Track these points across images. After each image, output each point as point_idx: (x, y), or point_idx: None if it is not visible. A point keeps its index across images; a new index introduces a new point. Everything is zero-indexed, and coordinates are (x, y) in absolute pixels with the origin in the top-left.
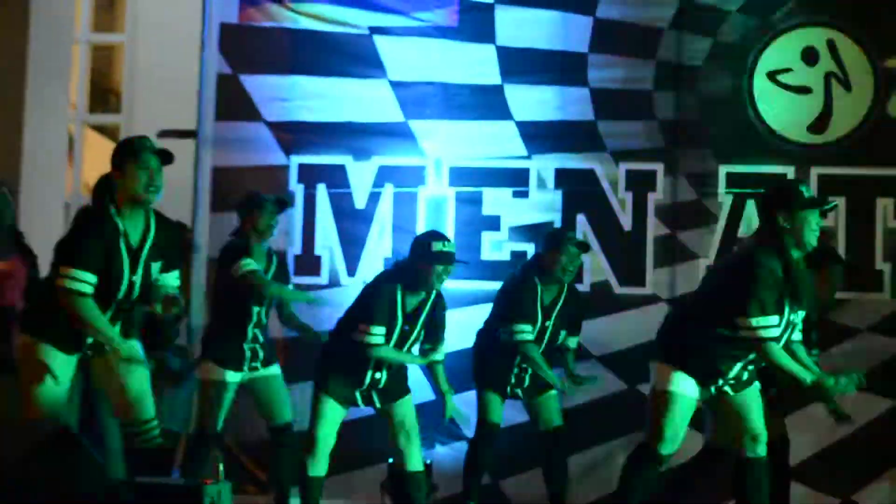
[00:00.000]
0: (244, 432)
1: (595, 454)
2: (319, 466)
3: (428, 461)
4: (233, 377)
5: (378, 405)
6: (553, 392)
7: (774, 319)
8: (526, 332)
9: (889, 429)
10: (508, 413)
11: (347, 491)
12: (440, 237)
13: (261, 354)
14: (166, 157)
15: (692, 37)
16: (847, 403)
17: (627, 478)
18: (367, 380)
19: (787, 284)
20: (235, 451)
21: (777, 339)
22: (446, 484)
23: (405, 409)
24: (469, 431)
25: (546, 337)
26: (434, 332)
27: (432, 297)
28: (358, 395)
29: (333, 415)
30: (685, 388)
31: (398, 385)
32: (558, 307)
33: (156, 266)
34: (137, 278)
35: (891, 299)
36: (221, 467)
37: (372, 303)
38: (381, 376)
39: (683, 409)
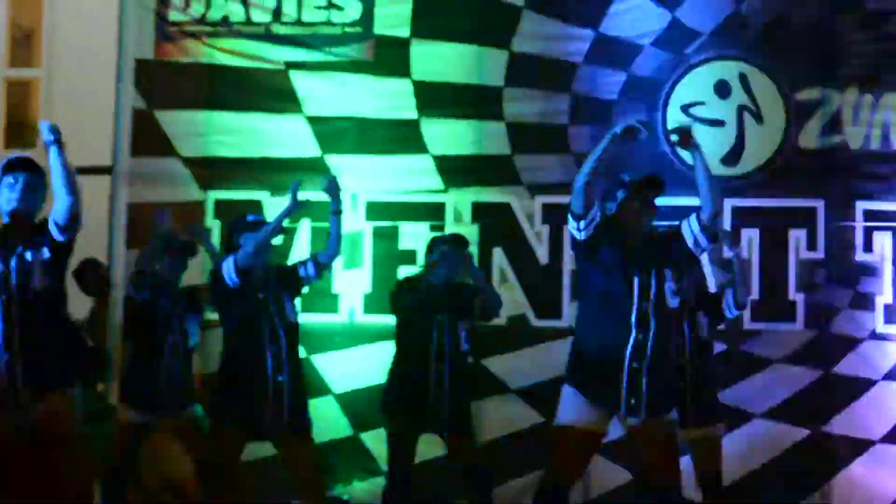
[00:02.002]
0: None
1: (514, 487)
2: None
3: (346, 497)
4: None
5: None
6: (469, 430)
7: None
8: None
9: (806, 458)
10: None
11: None
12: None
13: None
14: (30, 167)
15: (606, 71)
16: (764, 433)
17: None
18: (265, 410)
19: None
20: (157, 492)
21: None
22: None
23: (303, 451)
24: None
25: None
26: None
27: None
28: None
29: (234, 443)
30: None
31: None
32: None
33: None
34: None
35: (804, 329)
36: None
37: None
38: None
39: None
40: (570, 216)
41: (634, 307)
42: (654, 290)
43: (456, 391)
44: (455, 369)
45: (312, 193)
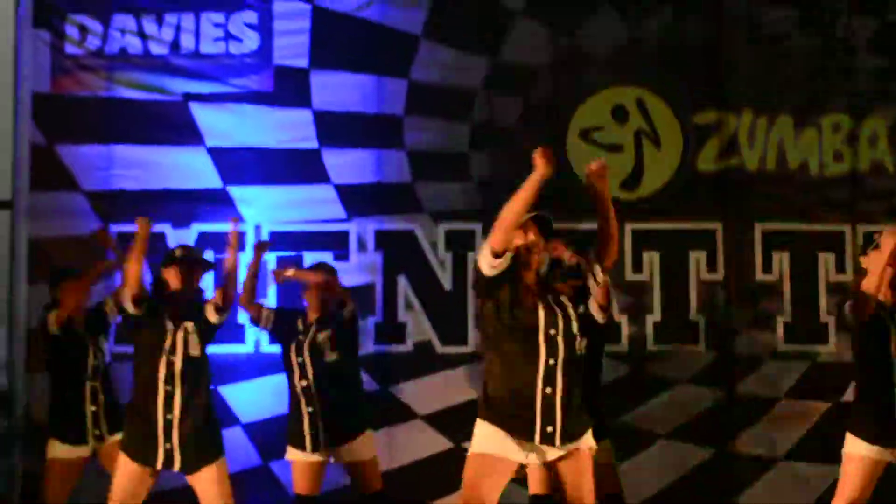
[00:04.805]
0: None
1: None
2: None
3: None
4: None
5: (180, 468)
6: (370, 457)
7: None
8: None
9: (709, 477)
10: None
11: None
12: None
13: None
14: None
15: (504, 97)
16: (669, 453)
17: None
18: (161, 435)
19: None
20: None
21: None
22: None
23: (209, 479)
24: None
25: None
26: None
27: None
28: (158, 453)
29: (131, 476)
30: None
31: (203, 448)
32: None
33: None
34: None
35: (706, 350)
36: None
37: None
38: (174, 433)
39: None
40: (486, 251)
41: (542, 337)
42: (562, 320)
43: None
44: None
45: (214, 225)
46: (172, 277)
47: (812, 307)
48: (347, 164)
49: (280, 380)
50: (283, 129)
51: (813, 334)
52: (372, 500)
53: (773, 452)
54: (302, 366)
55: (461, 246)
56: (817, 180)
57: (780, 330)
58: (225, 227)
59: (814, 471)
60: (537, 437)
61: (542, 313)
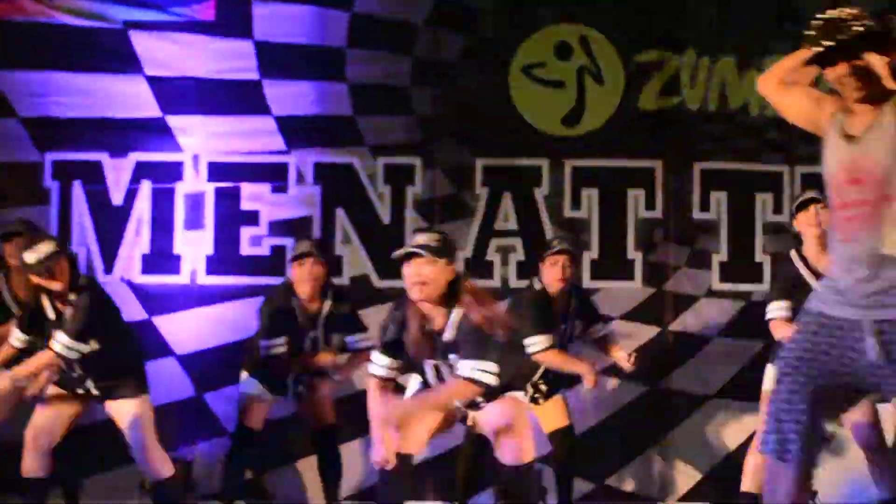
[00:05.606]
0: None
1: (364, 443)
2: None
3: (189, 459)
4: None
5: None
6: (329, 392)
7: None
8: None
9: (642, 414)
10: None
11: (107, 491)
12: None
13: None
14: None
15: (448, 32)
16: (603, 389)
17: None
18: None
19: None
20: None
21: None
22: (209, 481)
23: (122, 410)
24: (231, 426)
25: None
26: None
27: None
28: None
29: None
30: None
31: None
32: None
33: None
34: None
35: (642, 287)
36: None
37: None
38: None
39: None
40: None
41: None
42: None
43: None
44: None
45: (151, 154)
46: None
47: (748, 247)
48: (288, 96)
49: (215, 311)
50: (224, 59)
51: (748, 274)
52: (327, 431)
53: (705, 390)
54: None
55: (400, 180)
56: (758, 121)
57: (715, 268)
58: (163, 156)
59: (745, 408)
60: None
61: None
